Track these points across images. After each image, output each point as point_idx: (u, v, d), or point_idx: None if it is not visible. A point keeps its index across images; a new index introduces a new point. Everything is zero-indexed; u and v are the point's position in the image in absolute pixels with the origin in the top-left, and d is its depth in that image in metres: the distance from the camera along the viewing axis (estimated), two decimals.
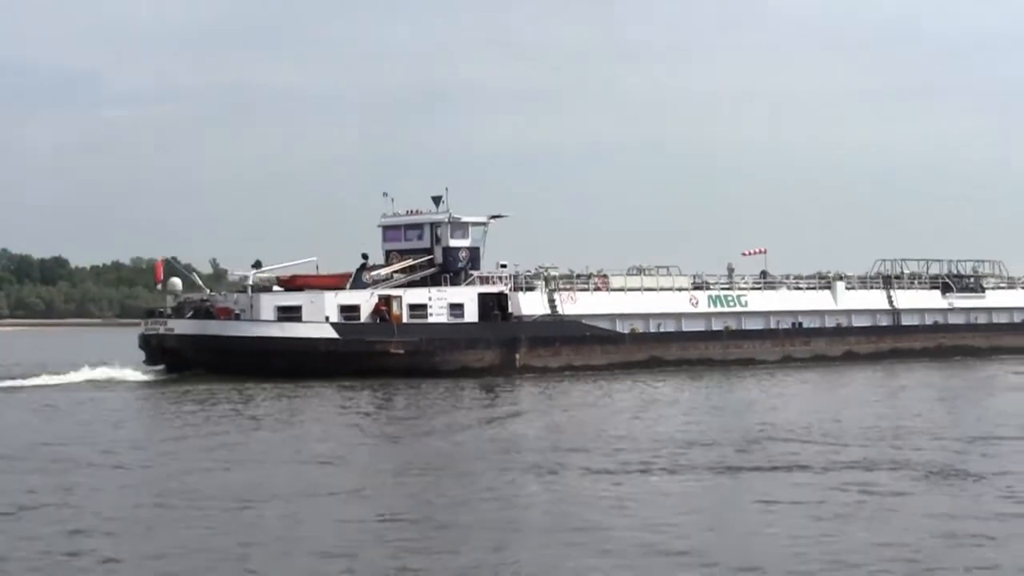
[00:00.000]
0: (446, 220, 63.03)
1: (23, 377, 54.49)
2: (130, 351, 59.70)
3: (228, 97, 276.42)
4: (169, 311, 57.90)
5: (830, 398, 49.72)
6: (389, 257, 63.97)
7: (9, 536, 20.27)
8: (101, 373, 55.45)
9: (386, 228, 65.03)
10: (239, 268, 59.59)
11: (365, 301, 58.82)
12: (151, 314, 58.32)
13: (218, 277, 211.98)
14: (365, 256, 63.35)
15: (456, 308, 60.98)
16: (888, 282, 78.90)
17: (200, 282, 59.60)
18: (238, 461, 29.66)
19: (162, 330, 56.56)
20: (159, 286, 59.92)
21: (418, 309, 59.91)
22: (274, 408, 43.82)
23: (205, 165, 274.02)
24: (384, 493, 24.99)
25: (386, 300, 59.04)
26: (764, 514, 21.91)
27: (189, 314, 57.19)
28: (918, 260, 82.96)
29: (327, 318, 57.47)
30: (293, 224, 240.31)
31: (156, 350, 56.89)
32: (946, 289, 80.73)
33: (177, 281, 59.05)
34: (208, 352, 55.69)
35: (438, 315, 60.40)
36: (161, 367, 57.13)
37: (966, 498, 23.52)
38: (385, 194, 65.14)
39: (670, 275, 70.74)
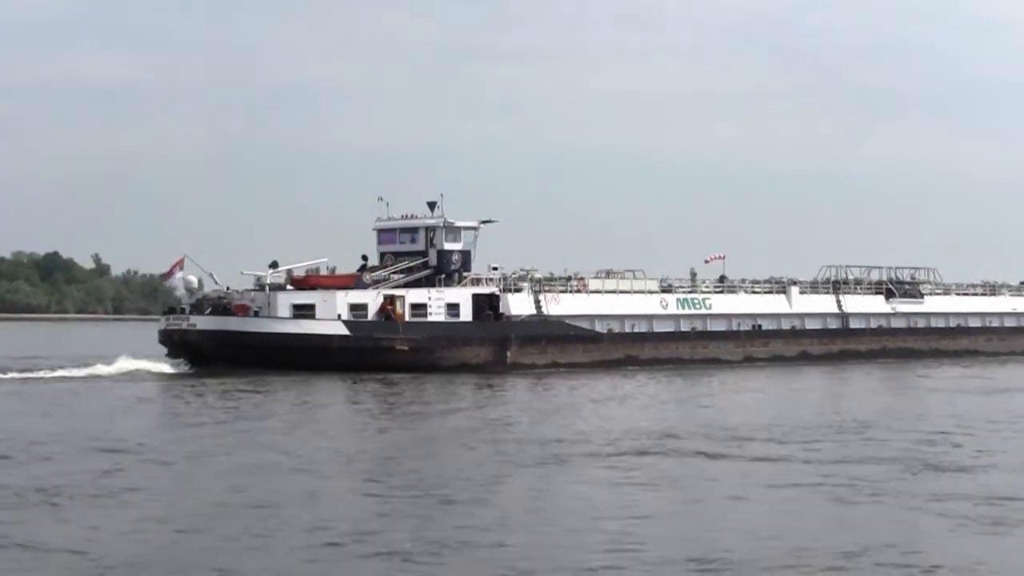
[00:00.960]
0: (441, 224, 67.10)
1: (65, 368, 57.86)
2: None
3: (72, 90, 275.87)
4: (187, 308, 61.39)
5: (793, 396, 54.37)
6: (384, 258, 67.90)
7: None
8: (133, 364, 58.89)
9: (381, 231, 68.92)
10: (253, 269, 63.20)
11: (372, 300, 62.84)
12: (172, 311, 61.80)
13: (101, 272, 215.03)
14: (365, 258, 67.55)
15: (453, 308, 65.14)
16: (837, 287, 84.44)
17: (217, 281, 63.00)
18: (280, 441, 33.63)
19: (184, 325, 60.18)
20: (167, 282, 62.92)
21: (419, 308, 64.00)
22: (304, 398, 47.67)
23: (52, 157, 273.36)
24: (386, 466, 28.80)
25: (390, 300, 63.07)
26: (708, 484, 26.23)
27: (208, 311, 60.81)
28: (860, 267, 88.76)
29: (339, 316, 61.42)
30: (137, 218, 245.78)
31: (179, 344, 60.43)
32: (889, 295, 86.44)
33: (193, 279, 62.44)
34: (228, 347, 59.32)
35: (436, 314, 64.55)
36: (180, 360, 60.70)
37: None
38: (380, 199, 69.19)
39: (639, 279, 75.56)
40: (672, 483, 26.50)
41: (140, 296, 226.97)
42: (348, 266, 67.21)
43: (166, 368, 59.42)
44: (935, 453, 31.19)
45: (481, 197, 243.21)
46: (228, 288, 62.76)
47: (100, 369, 57.69)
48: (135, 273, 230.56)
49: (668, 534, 20.93)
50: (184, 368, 59.79)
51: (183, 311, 61.18)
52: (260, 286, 61.93)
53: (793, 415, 42.32)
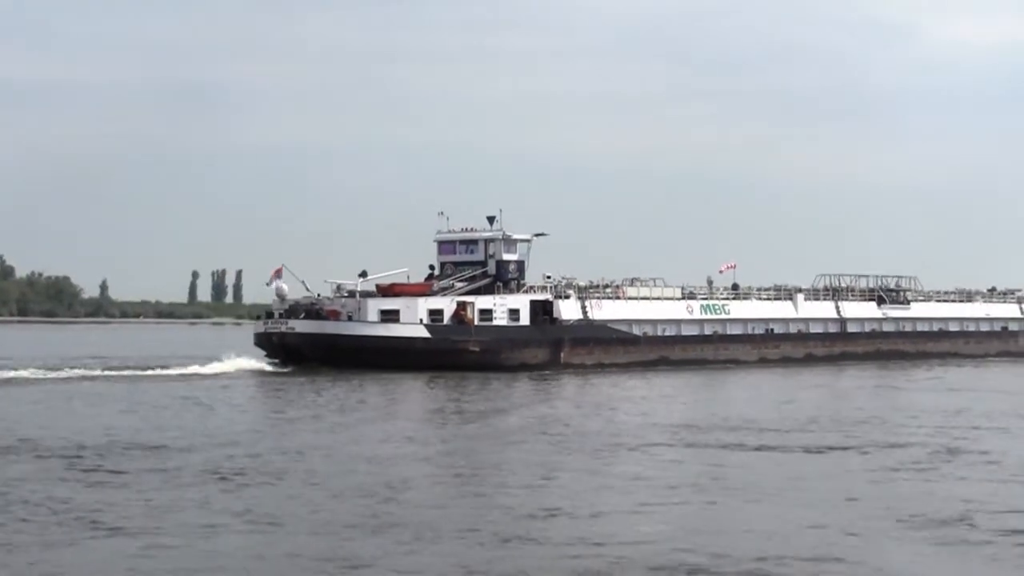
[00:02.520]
0: (500, 237, 73.99)
1: (179, 366, 64.14)
2: None
3: None
4: (282, 313, 67.83)
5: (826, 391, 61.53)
6: (444, 268, 74.69)
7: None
8: (244, 363, 65.37)
9: (441, 243, 75.60)
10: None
11: (447, 306, 69.60)
12: (269, 315, 68.21)
13: (4, 274, 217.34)
14: (432, 267, 74.21)
15: (514, 313, 72.02)
16: (836, 294, 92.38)
17: (308, 288, 69.60)
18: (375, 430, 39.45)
19: (283, 329, 66.65)
20: (269, 284, 69.22)
21: (485, 314, 70.81)
22: (409, 392, 54.35)
23: None
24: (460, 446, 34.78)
25: (463, 306, 69.89)
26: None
27: (302, 315, 67.33)
28: (851, 275, 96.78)
29: (421, 320, 68.15)
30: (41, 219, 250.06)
31: (277, 346, 66.88)
32: (880, 301, 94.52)
33: (285, 286, 68.80)
34: (323, 348, 65.88)
35: (500, 319, 71.41)
36: (276, 360, 67.17)
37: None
38: (441, 213, 75.92)
39: (663, 286, 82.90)
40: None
41: (46, 298, 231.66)
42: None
43: (266, 367, 65.85)
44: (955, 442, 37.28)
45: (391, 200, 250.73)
46: (319, 295, 69.25)
47: (213, 367, 64.04)
48: (40, 275, 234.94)
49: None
50: (277, 367, 66.20)
51: (281, 316, 67.55)
52: (349, 293, 68.56)
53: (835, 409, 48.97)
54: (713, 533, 21.79)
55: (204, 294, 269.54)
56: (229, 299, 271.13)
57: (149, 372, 61.82)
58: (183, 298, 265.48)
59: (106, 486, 26.03)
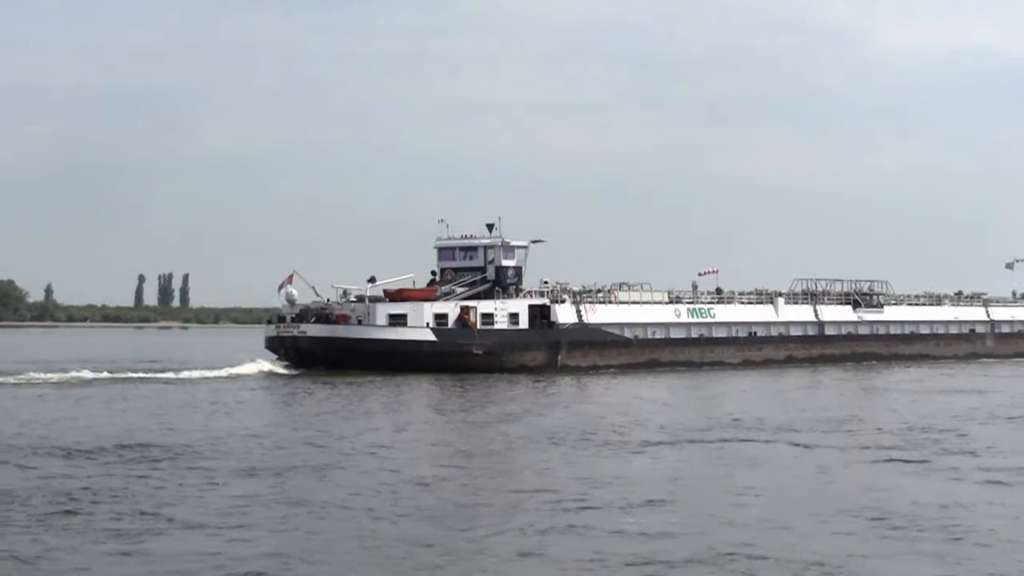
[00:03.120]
0: (499, 244, 76.51)
1: (199, 369, 66.40)
2: None
3: None
4: (293, 317, 70.03)
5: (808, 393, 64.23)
6: (444, 273, 77.11)
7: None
8: (261, 367, 67.63)
9: (441, 249, 77.99)
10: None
11: (451, 311, 72.07)
12: (281, 320, 70.38)
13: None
14: (434, 273, 76.63)
15: (513, 317, 74.60)
16: (814, 298, 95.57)
17: (318, 294, 71.87)
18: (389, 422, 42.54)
19: (295, 332, 68.87)
20: (280, 290, 71.39)
21: (487, 318, 73.33)
22: (416, 393, 56.82)
23: None
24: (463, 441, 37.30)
25: (466, 310, 72.35)
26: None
27: (312, 319, 69.58)
28: (827, 280, 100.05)
29: (427, 324, 70.59)
30: None
31: (290, 349, 69.10)
32: (856, 305, 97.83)
33: (295, 292, 70.95)
34: (334, 351, 68.17)
35: (501, 323, 73.95)
36: (287, 363, 69.41)
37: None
38: (441, 220, 78.33)
39: (650, 291, 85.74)
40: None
41: None
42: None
43: (280, 369, 68.12)
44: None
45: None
46: (328, 300, 71.55)
47: (231, 370, 66.35)
48: None
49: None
50: (292, 370, 68.45)
51: (293, 320, 69.75)
52: (358, 297, 70.91)
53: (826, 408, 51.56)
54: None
55: (151, 298, 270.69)
56: (176, 303, 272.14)
57: (172, 375, 63.95)
58: (129, 302, 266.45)
59: (188, 483, 27.37)
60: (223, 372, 65.82)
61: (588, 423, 41.50)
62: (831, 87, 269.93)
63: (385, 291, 72.43)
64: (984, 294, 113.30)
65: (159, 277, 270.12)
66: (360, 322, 69.81)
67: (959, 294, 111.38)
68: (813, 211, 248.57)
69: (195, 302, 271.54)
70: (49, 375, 61.44)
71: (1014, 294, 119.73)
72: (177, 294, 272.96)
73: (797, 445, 35.94)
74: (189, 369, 66.67)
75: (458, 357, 70.46)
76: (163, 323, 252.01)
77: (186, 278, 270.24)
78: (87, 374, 62.59)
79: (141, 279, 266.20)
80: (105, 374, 63.02)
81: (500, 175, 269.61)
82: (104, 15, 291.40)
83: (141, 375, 63.97)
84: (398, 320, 70.16)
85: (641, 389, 61.85)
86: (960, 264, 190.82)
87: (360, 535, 21.82)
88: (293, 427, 40.41)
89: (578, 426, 40.33)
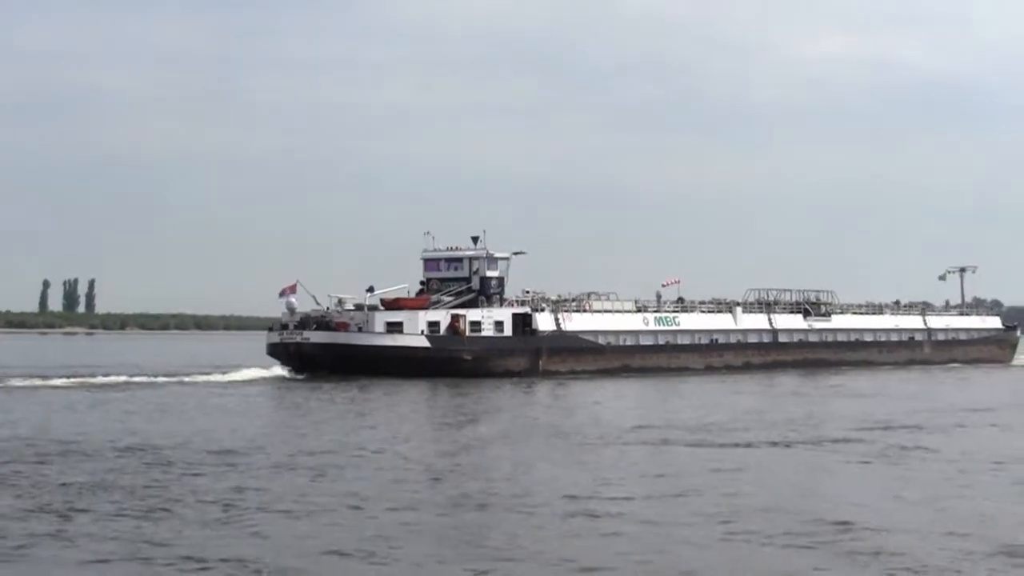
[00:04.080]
0: (484, 255, 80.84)
1: (205, 373, 69.97)
2: None
3: None
4: (292, 325, 73.84)
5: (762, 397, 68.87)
6: (430, 283, 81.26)
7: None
8: (264, 372, 71.49)
9: (427, 260, 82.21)
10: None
11: (443, 319, 76.22)
12: (284, 327, 74.12)
13: None
14: (423, 283, 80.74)
15: (499, 325, 78.91)
16: (768, 308, 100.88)
17: (318, 302, 75.66)
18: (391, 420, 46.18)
19: (299, 339, 72.68)
20: (281, 297, 75.05)
21: (475, 325, 77.59)
22: (411, 397, 60.78)
23: None
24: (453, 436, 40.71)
25: (456, 318, 76.55)
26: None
27: (313, 327, 73.42)
28: (777, 289, 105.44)
29: (422, 331, 74.69)
30: None
31: (293, 355, 72.88)
32: (806, 314, 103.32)
33: (295, 301, 74.71)
34: (336, 357, 72.07)
35: (487, 330, 78.23)
36: (289, 367, 73.22)
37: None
38: (427, 233, 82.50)
39: (619, 300, 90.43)
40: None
41: None
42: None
43: (285, 374, 71.97)
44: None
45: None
46: (328, 308, 75.40)
47: (243, 374, 70.17)
48: None
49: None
50: (296, 374, 72.25)
51: (295, 327, 73.57)
52: (357, 306, 74.88)
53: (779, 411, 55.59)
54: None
55: (56, 303, 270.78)
56: (81, 308, 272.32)
57: (187, 379, 67.41)
58: (34, 307, 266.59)
59: (248, 478, 29.11)
60: (237, 376, 69.48)
61: (566, 423, 45.33)
62: (747, 97, 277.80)
63: (382, 300, 76.42)
64: (923, 302, 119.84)
65: (64, 283, 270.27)
66: (360, 329, 73.78)
67: (897, 303, 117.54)
68: (735, 219, 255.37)
69: (101, 308, 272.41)
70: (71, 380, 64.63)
71: (947, 303, 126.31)
72: (83, 300, 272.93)
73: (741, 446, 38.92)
74: (205, 374, 70.31)
75: (450, 363, 74.65)
76: (68, 329, 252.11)
77: (92, 284, 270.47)
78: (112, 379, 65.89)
79: (46, 285, 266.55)
80: (124, 378, 66.41)
81: (421, 178, 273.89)
82: (16, 14, 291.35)
83: (162, 379, 67.22)
84: (395, 327, 74.19)
85: (613, 391, 66.31)
86: (891, 273, 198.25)
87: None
88: (315, 425, 43.50)
89: (559, 424, 44.44)
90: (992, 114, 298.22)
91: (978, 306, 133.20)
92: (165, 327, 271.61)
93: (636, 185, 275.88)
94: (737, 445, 37.53)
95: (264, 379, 69.74)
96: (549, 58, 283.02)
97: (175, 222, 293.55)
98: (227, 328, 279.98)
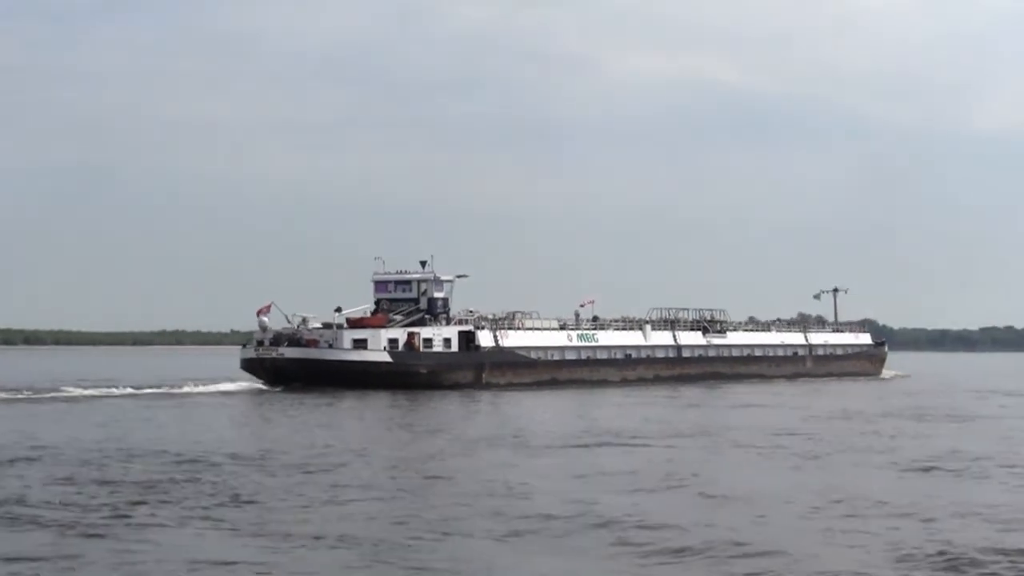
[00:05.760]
0: (431, 278, 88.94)
1: (181, 386, 76.85)
2: None
3: None
4: (268, 341, 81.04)
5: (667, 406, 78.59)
6: (380, 304, 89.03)
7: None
8: (242, 385, 78.57)
9: (378, 282, 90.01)
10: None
11: (401, 336, 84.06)
12: (260, 344, 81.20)
13: None
14: (378, 303, 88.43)
15: (447, 341, 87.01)
16: (672, 325, 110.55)
17: (289, 321, 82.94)
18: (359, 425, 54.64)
19: (274, 354, 79.89)
20: (260, 318, 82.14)
21: (427, 342, 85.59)
22: (383, 404, 68.29)
23: None
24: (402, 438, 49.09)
25: (412, 336, 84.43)
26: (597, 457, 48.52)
27: (285, 343, 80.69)
28: (678, 309, 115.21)
29: (384, 347, 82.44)
30: None
31: (269, 369, 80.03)
32: (705, 331, 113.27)
33: (266, 320, 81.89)
34: (308, 370, 79.46)
35: (438, 346, 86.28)
36: (262, 380, 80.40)
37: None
38: (377, 258, 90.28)
39: (542, 319, 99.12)
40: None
41: None
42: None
43: (262, 386, 79.15)
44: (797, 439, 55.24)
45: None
46: (299, 327, 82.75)
47: (224, 386, 77.24)
48: None
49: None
50: (271, 387, 79.43)
51: (270, 343, 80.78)
52: (326, 324, 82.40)
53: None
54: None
55: None
56: None
57: (175, 391, 74.26)
58: None
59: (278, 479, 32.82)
60: (220, 388, 76.52)
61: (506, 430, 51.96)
62: (562, 114, 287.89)
63: (348, 319, 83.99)
64: (809, 316, 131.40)
65: None
66: (330, 345, 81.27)
67: (778, 320, 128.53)
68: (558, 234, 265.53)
69: None
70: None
71: (823, 320, 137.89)
72: None
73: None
74: (191, 385, 77.15)
75: (408, 376, 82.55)
76: None
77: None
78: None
79: None
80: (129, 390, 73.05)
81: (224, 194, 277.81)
82: None
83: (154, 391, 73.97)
84: (360, 344, 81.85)
85: (541, 402, 74.43)
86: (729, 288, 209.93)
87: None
88: (327, 428, 51.41)
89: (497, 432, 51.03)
90: (794, 136, 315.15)
91: (848, 324, 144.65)
92: (26, 342, 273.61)
93: (445, 201, 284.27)
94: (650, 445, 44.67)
95: (246, 390, 76.82)
96: (364, 71, 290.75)
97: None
98: None
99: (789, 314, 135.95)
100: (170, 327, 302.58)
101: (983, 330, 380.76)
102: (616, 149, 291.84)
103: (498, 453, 41.21)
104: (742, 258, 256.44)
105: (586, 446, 43.82)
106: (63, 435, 44.57)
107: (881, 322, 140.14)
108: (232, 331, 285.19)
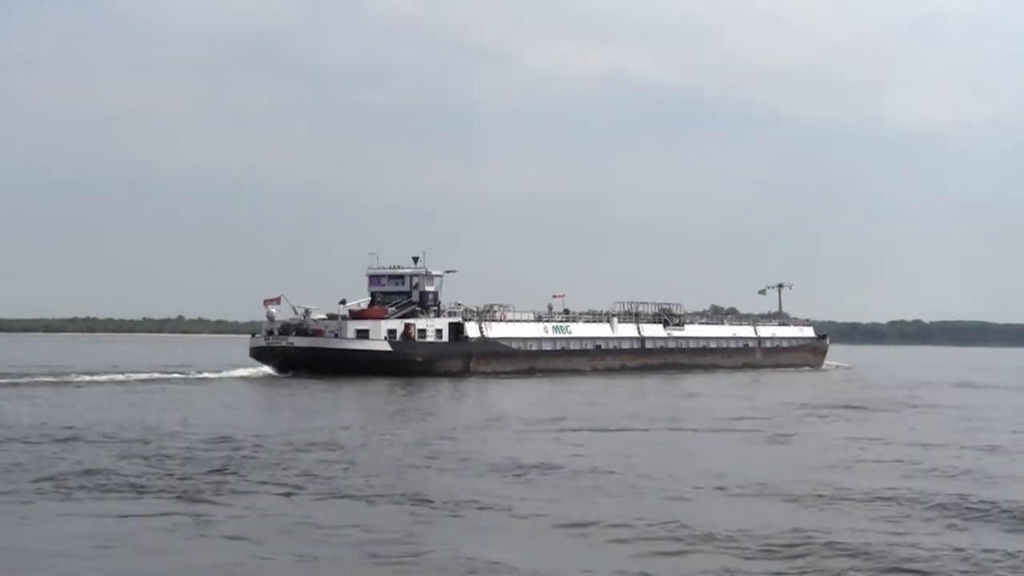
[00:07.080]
0: (423, 273, 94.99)
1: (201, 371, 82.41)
2: None
3: None
4: (276, 331, 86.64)
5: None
6: (375, 297, 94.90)
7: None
8: (253, 371, 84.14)
9: (372, 276, 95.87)
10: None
11: (399, 327, 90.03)
12: (270, 333, 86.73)
13: None
14: (373, 295, 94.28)
15: (439, 332, 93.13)
16: (636, 318, 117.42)
17: (296, 311, 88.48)
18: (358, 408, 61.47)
19: (284, 343, 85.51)
20: (268, 308, 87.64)
21: (422, 333, 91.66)
22: (383, 389, 74.42)
23: None
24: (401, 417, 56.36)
25: (409, 327, 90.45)
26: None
27: (294, 333, 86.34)
28: (639, 302, 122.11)
29: (384, 337, 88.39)
30: None
31: (279, 356, 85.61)
32: (665, 324, 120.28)
33: (274, 310, 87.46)
34: (314, 359, 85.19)
35: (431, 337, 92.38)
36: (270, 367, 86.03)
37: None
38: (371, 253, 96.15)
39: (519, 311, 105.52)
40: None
41: None
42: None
43: (273, 372, 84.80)
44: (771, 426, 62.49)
45: None
46: (304, 317, 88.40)
47: (239, 372, 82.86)
48: None
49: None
50: (276, 373, 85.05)
51: (279, 332, 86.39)
52: (331, 315, 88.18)
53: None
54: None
55: None
56: None
57: (195, 376, 79.67)
58: None
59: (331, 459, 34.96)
60: (234, 373, 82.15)
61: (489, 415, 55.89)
62: (479, 104, 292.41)
63: (351, 310, 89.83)
64: (721, 308, 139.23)
65: None
66: (336, 335, 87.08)
67: (731, 311, 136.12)
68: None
69: None
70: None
71: (736, 312, 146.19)
72: None
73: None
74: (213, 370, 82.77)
75: (406, 364, 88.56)
76: None
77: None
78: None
79: None
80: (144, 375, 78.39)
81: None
82: None
83: (176, 375, 79.33)
84: (363, 334, 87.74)
85: (520, 389, 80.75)
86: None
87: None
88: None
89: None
90: (712, 129, 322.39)
91: (780, 317, 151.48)
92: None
93: (355, 190, 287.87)
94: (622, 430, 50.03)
95: (259, 376, 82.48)
96: (290, 61, 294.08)
97: None
98: None
99: (702, 306, 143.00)
100: (82, 315, 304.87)
101: (891, 324, 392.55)
102: (524, 138, 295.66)
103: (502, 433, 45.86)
104: (657, 254, 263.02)
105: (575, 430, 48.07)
106: (101, 416, 47.39)
107: (792, 315, 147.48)
108: (144, 319, 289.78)
